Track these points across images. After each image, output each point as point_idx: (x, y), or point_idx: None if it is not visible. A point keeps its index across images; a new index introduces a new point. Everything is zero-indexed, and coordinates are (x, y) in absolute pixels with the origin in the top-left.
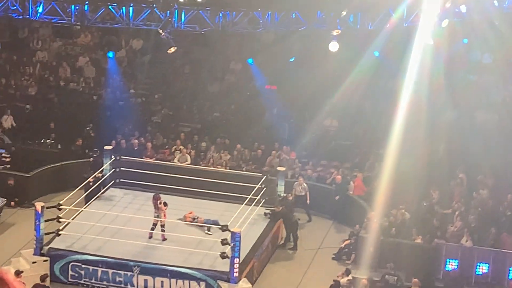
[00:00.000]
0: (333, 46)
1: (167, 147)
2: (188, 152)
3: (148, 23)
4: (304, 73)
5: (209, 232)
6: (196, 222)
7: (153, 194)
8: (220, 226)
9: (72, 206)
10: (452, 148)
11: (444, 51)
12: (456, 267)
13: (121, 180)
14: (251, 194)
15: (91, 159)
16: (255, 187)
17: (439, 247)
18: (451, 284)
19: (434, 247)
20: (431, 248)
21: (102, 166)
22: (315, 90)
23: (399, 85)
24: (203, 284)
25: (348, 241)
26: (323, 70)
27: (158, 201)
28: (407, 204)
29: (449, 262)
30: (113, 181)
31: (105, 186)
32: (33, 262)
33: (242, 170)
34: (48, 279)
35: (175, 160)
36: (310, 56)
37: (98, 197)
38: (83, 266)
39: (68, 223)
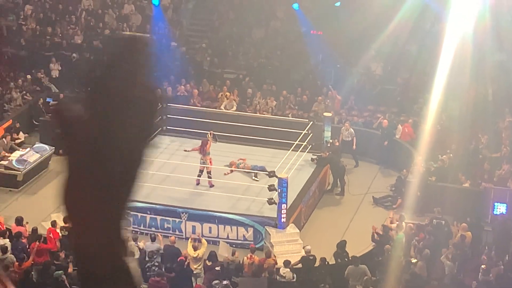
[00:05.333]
0: None
1: (213, 93)
2: (234, 98)
3: None
4: (349, 17)
5: (256, 178)
6: (244, 168)
7: (201, 140)
8: (267, 172)
9: None
10: (499, 91)
11: None
12: (504, 211)
13: (168, 127)
14: (298, 140)
15: None
16: (302, 132)
17: (487, 191)
18: (500, 227)
19: (482, 190)
20: (479, 192)
21: None
22: (361, 34)
23: (445, 29)
24: (250, 230)
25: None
26: (368, 14)
27: (207, 144)
28: (454, 148)
29: (497, 205)
30: (160, 128)
31: None
32: None
33: (288, 116)
34: None
35: (222, 107)
36: (356, 0)
37: None
38: (132, 213)
39: None
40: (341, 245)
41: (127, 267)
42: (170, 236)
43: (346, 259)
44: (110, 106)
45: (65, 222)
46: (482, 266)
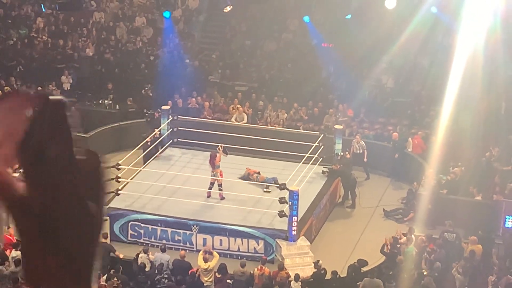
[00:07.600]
0: (390, 3)
1: (224, 106)
2: (245, 111)
3: None
4: (360, 30)
5: (267, 190)
6: (257, 180)
7: (210, 153)
8: (278, 185)
9: (131, 166)
10: (510, 104)
11: (502, 4)
12: None
13: (179, 139)
14: (309, 153)
15: (148, 118)
16: (313, 145)
17: (498, 204)
18: (511, 241)
19: (493, 203)
20: (490, 204)
21: (160, 125)
22: (372, 47)
23: (456, 41)
24: (261, 243)
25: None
26: (379, 27)
27: (217, 154)
28: (465, 161)
29: (508, 218)
30: (171, 140)
31: (163, 146)
32: None
33: (299, 129)
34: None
35: (233, 119)
36: (367, 13)
37: (156, 156)
38: (143, 225)
39: (127, 182)
40: (362, 263)
41: None
42: (181, 250)
43: (356, 274)
44: (53, 176)
45: None
46: (490, 277)
